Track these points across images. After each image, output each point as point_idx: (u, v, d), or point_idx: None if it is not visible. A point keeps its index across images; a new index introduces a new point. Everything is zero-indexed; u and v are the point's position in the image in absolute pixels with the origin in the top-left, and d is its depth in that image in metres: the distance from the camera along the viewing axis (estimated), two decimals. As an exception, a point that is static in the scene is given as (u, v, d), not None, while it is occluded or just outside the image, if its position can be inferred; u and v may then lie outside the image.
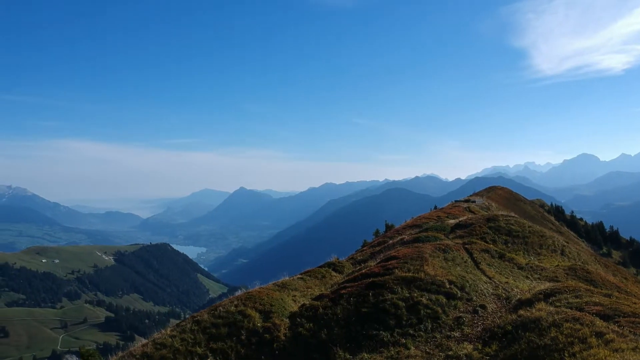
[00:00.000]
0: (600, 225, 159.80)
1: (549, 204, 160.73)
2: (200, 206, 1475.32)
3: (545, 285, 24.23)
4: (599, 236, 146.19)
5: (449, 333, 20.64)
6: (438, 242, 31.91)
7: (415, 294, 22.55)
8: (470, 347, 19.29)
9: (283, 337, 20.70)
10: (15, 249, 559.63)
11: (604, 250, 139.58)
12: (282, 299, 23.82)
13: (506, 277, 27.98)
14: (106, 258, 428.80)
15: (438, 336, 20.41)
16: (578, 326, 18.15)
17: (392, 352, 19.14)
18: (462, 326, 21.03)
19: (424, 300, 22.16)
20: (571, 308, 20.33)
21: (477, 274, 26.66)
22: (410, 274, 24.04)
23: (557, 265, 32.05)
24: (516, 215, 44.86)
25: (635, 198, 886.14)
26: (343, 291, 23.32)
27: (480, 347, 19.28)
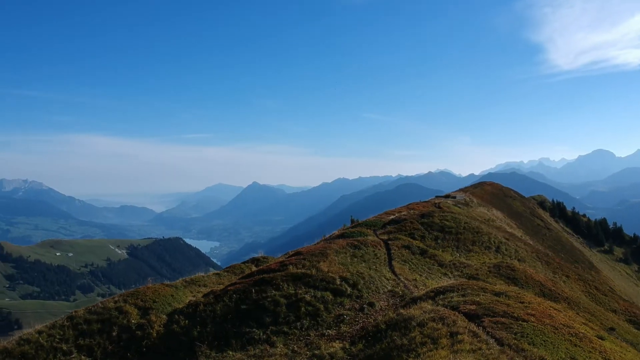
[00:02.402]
0: (603, 222, 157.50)
1: (562, 200, 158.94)
2: (213, 201, 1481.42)
3: (448, 283, 23.67)
4: (600, 233, 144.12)
5: (324, 331, 20.23)
6: (357, 238, 31.42)
7: (301, 291, 22.16)
8: (338, 345, 18.91)
9: (155, 334, 20.44)
10: (31, 242, 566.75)
11: (606, 246, 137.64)
12: (172, 296, 23.57)
13: (419, 274, 27.49)
14: (119, 252, 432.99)
15: (312, 334, 20.01)
16: (439, 326, 17.70)
17: (258, 351, 18.81)
18: (341, 324, 20.61)
19: (307, 297, 21.75)
20: (448, 307, 19.85)
21: (382, 271, 26.14)
22: (302, 271, 23.64)
23: (484, 263, 31.42)
24: (452, 211, 44.05)
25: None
26: (231, 288, 22.98)
27: (347, 346, 18.88)
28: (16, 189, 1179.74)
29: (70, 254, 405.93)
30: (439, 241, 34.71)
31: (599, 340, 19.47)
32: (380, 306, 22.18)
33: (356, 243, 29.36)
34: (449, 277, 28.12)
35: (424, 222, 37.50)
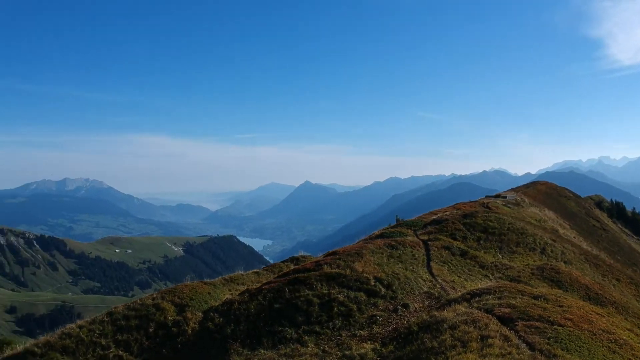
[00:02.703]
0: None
1: (623, 200, 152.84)
2: (266, 200, 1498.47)
3: (485, 285, 23.16)
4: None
5: (356, 332, 20.17)
6: (395, 238, 31.09)
7: (334, 291, 22.16)
8: (369, 346, 18.82)
9: (190, 331, 20.92)
10: (92, 239, 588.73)
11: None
12: (209, 293, 24.04)
13: (458, 276, 26.98)
14: (176, 249, 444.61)
15: (344, 334, 19.99)
16: (470, 329, 17.37)
17: (289, 350, 18.96)
18: (374, 325, 20.50)
19: (340, 297, 21.73)
20: (482, 309, 19.42)
21: (419, 272, 25.80)
22: (336, 270, 23.64)
23: (527, 265, 30.51)
24: (499, 211, 42.92)
25: None
26: (265, 287, 23.23)
27: (378, 347, 18.78)
28: (79, 188, 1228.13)
29: (129, 251, 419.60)
30: (481, 242, 33.94)
31: (643, 347, 18.63)
32: (415, 308, 21.93)
33: (394, 243, 29.11)
34: (490, 279, 27.48)
35: (466, 222, 36.77)
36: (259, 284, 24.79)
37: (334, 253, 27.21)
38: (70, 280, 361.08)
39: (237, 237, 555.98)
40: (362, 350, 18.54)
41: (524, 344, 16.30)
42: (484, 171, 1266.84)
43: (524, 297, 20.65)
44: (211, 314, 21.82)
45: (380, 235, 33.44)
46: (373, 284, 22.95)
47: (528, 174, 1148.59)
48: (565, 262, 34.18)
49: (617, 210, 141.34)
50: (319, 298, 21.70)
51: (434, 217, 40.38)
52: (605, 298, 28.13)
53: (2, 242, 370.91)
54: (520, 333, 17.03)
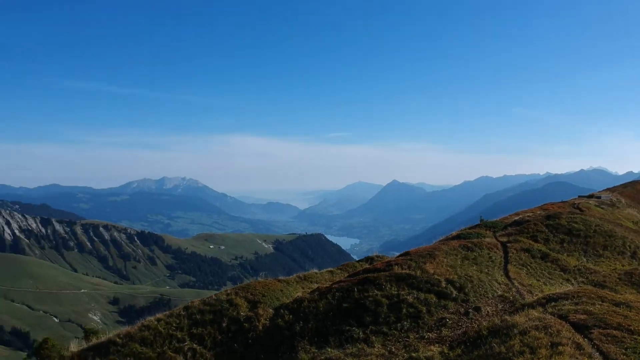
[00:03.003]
0: None
1: None
2: (353, 198, 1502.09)
3: (563, 290, 22.13)
4: None
5: (424, 334, 19.91)
6: (472, 240, 30.19)
7: (403, 292, 21.96)
8: (437, 349, 18.54)
9: (261, 327, 21.51)
10: (188, 235, 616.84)
11: None
12: (281, 291, 24.59)
13: (537, 280, 25.88)
14: (266, 246, 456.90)
15: (412, 336, 19.78)
16: (541, 335, 16.69)
17: (355, 349, 19.05)
18: (443, 328, 20.15)
19: (409, 298, 21.51)
20: (556, 315, 18.57)
21: (495, 275, 24.98)
22: (406, 271, 23.38)
23: (614, 269, 28.69)
24: (587, 213, 40.38)
25: None
26: (335, 285, 23.43)
27: (446, 350, 18.45)
28: (176, 187, 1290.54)
29: (222, 247, 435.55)
30: (565, 245, 32.27)
31: None
32: (487, 311, 21.33)
33: (469, 245, 28.37)
34: (571, 284, 26.17)
35: (549, 223, 35.07)
36: (330, 283, 25.07)
37: (406, 254, 27.00)
38: (168, 275, 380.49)
39: (325, 235, 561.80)
40: (429, 353, 18.31)
41: (598, 353, 15.48)
42: (582, 170, 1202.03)
43: (604, 304, 19.54)
44: (282, 311, 22.34)
45: (457, 237, 32.73)
46: (444, 285, 22.54)
47: (630, 173, 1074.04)
48: (660, 267, 31.87)
49: None
50: (387, 298, 21.62)
51: (516, 218, 38.95)
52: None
53: (106, 237, 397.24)
54: (595, 341, 16.18)
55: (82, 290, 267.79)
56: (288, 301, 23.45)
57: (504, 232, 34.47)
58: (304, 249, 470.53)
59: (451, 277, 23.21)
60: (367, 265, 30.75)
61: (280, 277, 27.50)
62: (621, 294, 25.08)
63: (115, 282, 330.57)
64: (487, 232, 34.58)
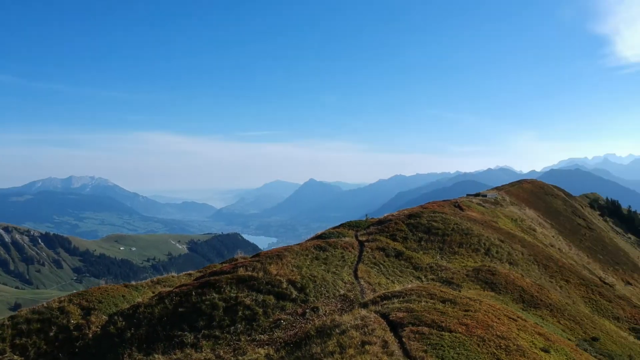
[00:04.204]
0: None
1: (630, 198, 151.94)
2: (271, 197, 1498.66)
3: (402, 288, 22.75)
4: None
5: (257, 336, 19.78)
6: (328, 240, 30.64)
7: (242, 295, 21.76)
8: (263, 352, 18.43)
9: (91, 335, 20.62)
10: (97, 236, 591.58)
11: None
12: (123, 296, 23.73)
13: (387, 278, 26.54)
14: (180, 246, 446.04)
15: (243, 339, 19.60)
16: (356, 334, 17.01)
17: (182, 355, 18.62)
18: (276, 329, 20.11)
19: (247, 301, 21.33)
20: (379, 313, 19.03)
21: (342, 274, 25.33)
22: (249, 273, 23.22)
23: (465, 266, 30.01)
24: (446, 212, 42.24)
25: None
26: (176, 290, 22.89)
27: (272, 352, 18.40)
28: (84, 186, 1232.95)
29: (134, 249, 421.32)
30: (422, 243, 33.37)
31: (543, 353, 18.16)
32: (325, 311, 21.50)
33: (323, 245, 28.62)
34: (421, 281, 27.06)
35: (410, 222, 36.19)
36: (173, 287, 24.47)
37: (257, 255, 26.84)
38: (75, 278, 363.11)
39: (242, 234, 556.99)
40: (255, 356, 18.18)
41: (401, 351, 15.92)
42: (489, 168, 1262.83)
43: (431, 301, 20.19)
44: (115, 317, 21.49)
45: (319, 236, 33.04)
46: (285, 287, 22.53)
47: (533, 171, 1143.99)
48: (510, 264, 33.60)
49: (611, 209, 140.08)
50: (225, 302, 21.32)
51: (381, 217, 39.93)
52: (541, 300, 27.66)
53: (7, 239, 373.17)
54: (404, 339, 16.64)
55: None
56: (124, 307, 22.61)
57: (365, 232, 35.15)
58: (220, 249, 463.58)
59: (294, 277, 23.24)
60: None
61: (133, 282, 26.53)
62: (467, 291, 26.21)
63: (17, 287, 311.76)
64: (350, 231, 35.17)
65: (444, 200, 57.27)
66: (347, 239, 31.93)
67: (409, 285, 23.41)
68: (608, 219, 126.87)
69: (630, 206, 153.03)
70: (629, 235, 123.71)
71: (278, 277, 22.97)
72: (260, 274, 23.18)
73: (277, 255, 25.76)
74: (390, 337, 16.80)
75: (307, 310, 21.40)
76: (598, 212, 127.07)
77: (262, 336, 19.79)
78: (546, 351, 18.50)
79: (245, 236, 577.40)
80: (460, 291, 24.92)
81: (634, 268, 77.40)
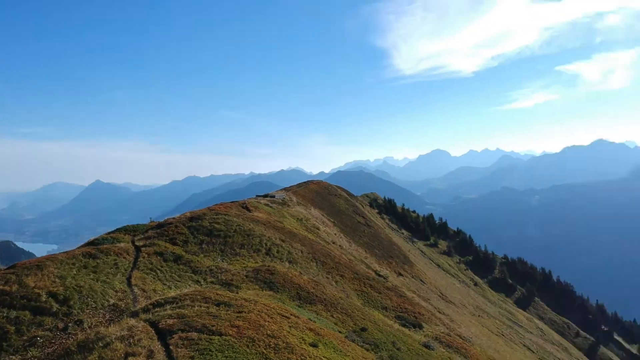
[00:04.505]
0: (430, 218, 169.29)
1: (404, 197, 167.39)
2: (51, 200, 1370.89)
3: (176, 293, 22.05)
4: (427, 228, 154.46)
5: (8, 358, 17.54)
6: (100, 246, 28.86)
7: (-9, 312, 19.20)
8: (15, 374, 16.44)
9: None
10: None
11: (432, 240, 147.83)
12: None
13: (164, 284, 25.61)
14: None
15: (-10, 363, 17.28)
16: (120, 346, 15.88)
17: None
18: (31, 348, 18.02)
19: (-4, 319, 18.86)
20: (149, 322, 18.19)
21: (113, 282, 23.83)
22: (1, 287, 20.66)
23: (245, 267, 30.45)
24: (229, 212, 43.11)
25: (480, 191, 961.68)
26: None
27: (25, 374, 16.52)
28: None
29: None
30: (204, 246, 33.07)
31: (311, 348, 18.96)
32: (91, 323, 19.88)
33: (94, 252, 26.64)
34: (200, 285, 26.59)
35: (191, 225, 35.68)
36: None
37: (14, 266, 23.91)
38: None
39: (15, 242, 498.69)
40: (5, 380, 16.09)
41: (168, 359, 15.33)
42: (282, 170, 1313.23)
43: (205, 305, 19.84)
44: None
45: (91, 243, 30.73)
46: (44, 300, 20.35)
47: (322, 173, 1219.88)
48: (290, 262, 34.94)
49: (388, 207, 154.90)
50: (-30, 323, 18.51)
51: (162, 221, 38.72)
52: (316, 296, 29.04)
53: None
54: (172, 346, 16.03)
55: None
56: None
57: (143, 236, 33.63)
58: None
59: (55, 289, 21.12)
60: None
61: None
62: (247, 291, 26.39)
63: None
64: (126, 236, 33.37)
65: (232, 202, 57.49)
66: (122, 244, 30.09)
67: (185, 290, 22.79)
68: (385, 216, 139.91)
69: (404, 204, 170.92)
70: (403, 230, 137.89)
71: (36, 290, 20.61)
72: (15, 287, 20.57)
73: (37, 265, 23.13)
74: (157, 346, 16.04)
75: (70, 324, 19.54)
76: (376, 210, 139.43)
77: (13, 357, 17.54)
78: (314, 346, 19.34)
79: (20, 244, 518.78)
80: (238, 292, 25.01)
81: (405, 260, 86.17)
